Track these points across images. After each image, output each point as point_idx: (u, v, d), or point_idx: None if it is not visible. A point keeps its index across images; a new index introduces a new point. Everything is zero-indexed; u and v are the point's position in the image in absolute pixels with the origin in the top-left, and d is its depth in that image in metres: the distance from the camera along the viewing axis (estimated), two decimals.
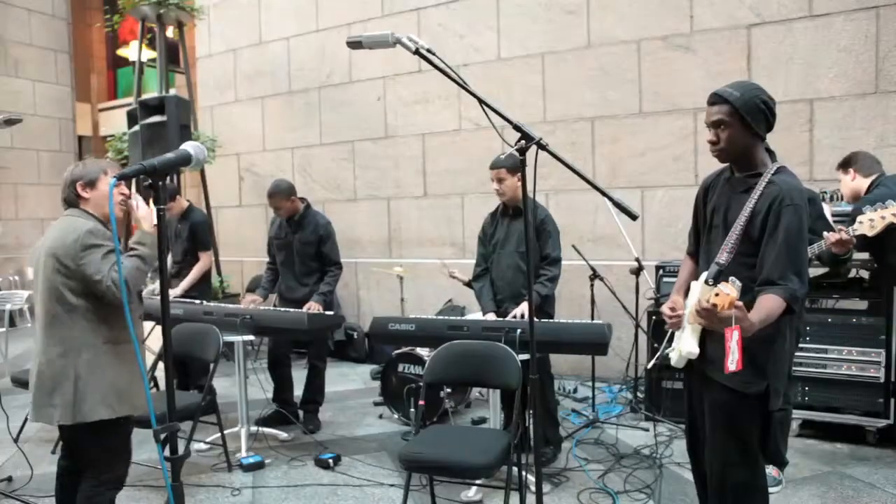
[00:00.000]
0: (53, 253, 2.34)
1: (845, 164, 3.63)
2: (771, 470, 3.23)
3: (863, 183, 3.53)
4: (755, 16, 4.93)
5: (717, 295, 1.84)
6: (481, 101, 2.00)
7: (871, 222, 2.97)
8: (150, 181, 1.52)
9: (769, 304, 1.98)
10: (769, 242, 2.05)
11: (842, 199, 3.84)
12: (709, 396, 2.25)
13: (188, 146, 1.67)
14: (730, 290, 1.84)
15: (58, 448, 4.08)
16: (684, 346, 2.16)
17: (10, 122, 3.41)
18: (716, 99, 2.13)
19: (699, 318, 1.94)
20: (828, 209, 3.55)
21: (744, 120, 2.08)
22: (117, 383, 2.37)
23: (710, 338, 2.13)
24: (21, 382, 4.15)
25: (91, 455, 2.42)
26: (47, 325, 2.38)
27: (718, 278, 2.04)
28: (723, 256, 2.11)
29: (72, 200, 2.45)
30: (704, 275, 2.12)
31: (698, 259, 2.41)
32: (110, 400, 2.33)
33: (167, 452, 1.66)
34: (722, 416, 2.20)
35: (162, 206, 1.53)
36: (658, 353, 2.43)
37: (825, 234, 3.03)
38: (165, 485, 1.62)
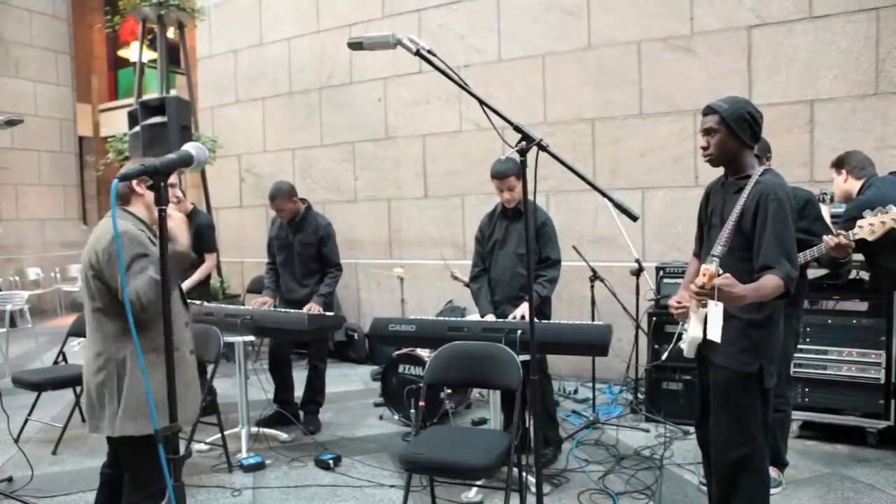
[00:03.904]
0: (91, 256, 2.24)
1: (838, 164, 3.63)
2: (771, 471, 3.23)
3: (854, 185, 3.54)
4: (755, 17, 4.94)
5: (703, 275, 2.13)
6: (482, 103, 2.01)
7: (871, 227, 2.97)
8: (151, 182, 1.52)
9: (766, 281, 2.20)
10: (761, 234, 2.27)
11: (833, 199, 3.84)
12: (711, 378, 2.45)
13: (190, 147, 1.67)
14: (708, 267, 2.15)
15: (58, 448, 4.09)
16: (691, 332, 2.36)
17: (11, 123, 3.41)
18: (708, 110, 2.41)
19: (695, 298, 2.23)
20: (826, 210, 3.55)
21: (731, 128, 2.33)
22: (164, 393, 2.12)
23: None
24: (21, 383, 4.16)
25: (137, 467, 2.31)
26: (92, 333, 2.30)
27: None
28: (717, 249, 2.32)
29: (124, 196, 2.34)
30: (703, 266, 2.29)
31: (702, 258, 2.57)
32: (158, 411, 2.10)
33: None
34: (721, 394, 2.41)
35: (163, 207, 1.53)
36: (670, 347, 2.57)
37: (825, 238, 3.04)
38: (167, 485, 1.62)
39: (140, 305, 2.08)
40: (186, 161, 1.67)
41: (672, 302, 2.57)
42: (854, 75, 4.64)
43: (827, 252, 3.07)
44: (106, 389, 2.25)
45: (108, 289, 2.23)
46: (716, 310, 2.14)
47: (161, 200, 1.53)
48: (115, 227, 1.53)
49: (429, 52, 2.01)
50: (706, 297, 2.13)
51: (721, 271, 2.15)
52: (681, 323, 2.56)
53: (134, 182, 2.29)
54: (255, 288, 6.50)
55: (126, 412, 2.22)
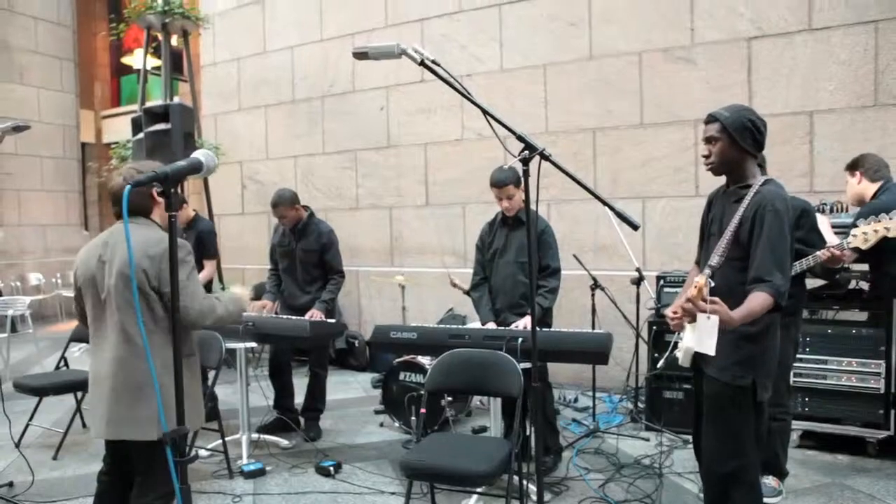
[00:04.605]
0: (141, 266, 2.21)
1: (853, 166, 3.60)
2: (771, 480, 3.24)
3: (869, 187, 3.51)
4: (755, 29, 4.98)
5: (694, 287, 2.11)
6: (485, 112, 2.03)
7: (864, 235, 2.99)
8: (162, 188, 1.55)
9: (754, 301, 2.18)
10: (756, 245, 2.25)
11: (846, 209, 3.85)
12: (704, 390, 2.45)
13: (199, 154, 1.69)
14: (698, 280, 2.12)
15: (59, 454, 4.09)
16: (686, 341, 2.36)
17: (18, 129, 3.43)
18: (709, 119, 2.40)
19: (685, 311, 2.22)
20: (826, 221, 3.56)
21: (732, 137, 2.32)
22: (192, 395, 2.22)
23: None
24: (23, 388, 4.16)
25: (155, 470, 2.27)
26: (130, 339, 2.30)
27: (711, 279, 2.25)
28: (714, 259, 2.31)
29: (144, 207, 2.31)
30: (696, 278, 2.28)
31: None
32: (191, 413, 2.18)
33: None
34: (712, 406, 2.39)
35: (173, 214, 1.55)
36: (666, 355, 2.57)
37: (818, 252, 3.05)
38: (174, 488, 1.64)
39: (193, 323, 2.32)
40: (196, 168, 1.69)
41: (669, 312, 2.53)
42: (853, 87, 4.68)
43: (820, 262, 3.09)
44: (152, 392, 2.20)
45: (160, 297, 2.26)
46: (708, 323, 2.11)
47: (171, 206, 1.55)
48: (126, 234, 1.55)
49: (433, 62, 2.04)
50: (690, 313, 2.17)
51: (712, 283, 2.13)
52: (677, 332, 2.57)
53: (155, 190, 2.28)
54: (256, 295, 6.49)
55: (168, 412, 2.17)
